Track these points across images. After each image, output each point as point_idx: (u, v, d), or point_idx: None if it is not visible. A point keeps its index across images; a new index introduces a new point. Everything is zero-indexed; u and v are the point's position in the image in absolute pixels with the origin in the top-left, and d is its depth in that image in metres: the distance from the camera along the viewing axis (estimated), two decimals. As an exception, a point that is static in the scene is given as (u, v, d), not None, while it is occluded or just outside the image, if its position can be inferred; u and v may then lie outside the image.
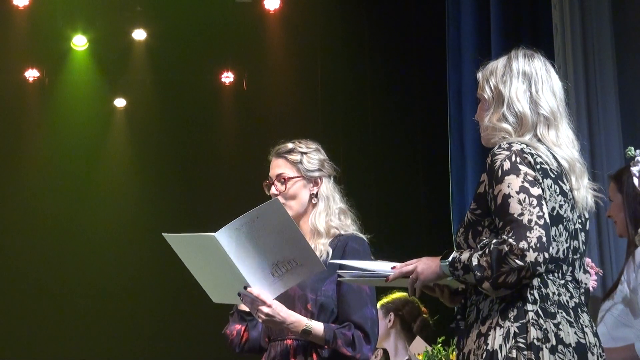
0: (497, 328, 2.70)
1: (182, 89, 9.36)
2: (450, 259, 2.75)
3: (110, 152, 9.58)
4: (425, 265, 2.83)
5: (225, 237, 3.25)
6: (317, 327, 3.42)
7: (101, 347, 8.87)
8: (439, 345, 4.52)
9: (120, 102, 9.58)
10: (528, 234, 2.62)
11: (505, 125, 2.87)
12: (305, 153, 3.68)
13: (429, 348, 4.51)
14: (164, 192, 9.30)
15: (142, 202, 9.30)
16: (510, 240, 2.62)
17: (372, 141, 8.84)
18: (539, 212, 2.66)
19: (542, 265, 2.62)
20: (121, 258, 9.10)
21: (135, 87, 9.49)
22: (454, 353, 4.38)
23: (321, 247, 3.54)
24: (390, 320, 5.02)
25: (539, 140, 2.86)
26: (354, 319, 3.42)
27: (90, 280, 9.02)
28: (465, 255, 2.71)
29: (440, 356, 4.49)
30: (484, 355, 2.69)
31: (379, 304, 5.05)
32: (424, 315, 5.00)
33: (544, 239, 2.63)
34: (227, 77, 9.47)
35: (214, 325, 6.92)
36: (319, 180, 3.64)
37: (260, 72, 9.35)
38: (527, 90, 2.88)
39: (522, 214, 2.66)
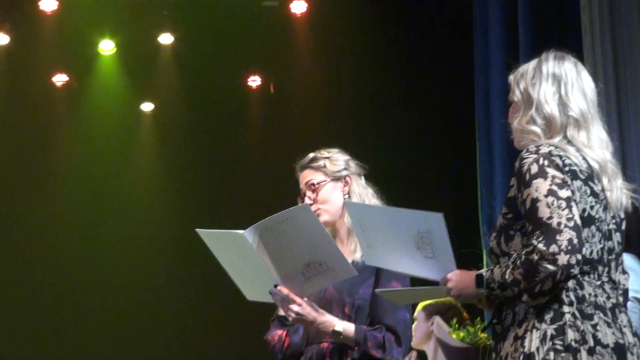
0: (534, 330, 2.69)
1: (209, 92, 9.37)
2: (484, 282, 2.75)
3: (138, 155, 9.61)
4: (462, 285, 2.82)
5: (253, 236, 3.26)
6: (348, 328, 3.42)
7: (130, 345, 8.89)
8: (478, 327, 4.50)
9: (147, 106, 9.61)
10: (558, 237, 2.61)
11: (534, 128, 2.87)
12: (328, 157, 3.69)
13: (450, 329, 4.50)
14: (191, 195, 9.32)
15: (169, 205, 9.33)
16: (540, 246, 2.61)
17: (399, 145, 8.84)
18: (568, 214, 2.65)
19: (575, 267, 2.61)
20: (149, 260, 9.13)
21: (162, 91, 9.51)
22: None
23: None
24: (432, 324, 4.99)
25: (569, 142, 2.84)
26: (386, 322, 3.42)
27: (118, 281, 9.05)
28: (497, 273, 2.72)
29: (480, 335, 4.47)
30: (521, 358, 2.68)
31: (420, 306, 5.05)
32: (466, 320, 4.98)
33: (575, 240, 2.62)
34: (254, 81, 9.48)
35: (245, 324, 6.98)
36: (347, 179, 3.64)
37: (287, 76, 9.36)
38: (557, 92, 2.87)
39: (551, 217, 2.65)
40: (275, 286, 3.35)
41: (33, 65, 9.20)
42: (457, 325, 4.67)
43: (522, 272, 2.65)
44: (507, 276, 2.69)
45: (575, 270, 2.63)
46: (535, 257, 2.62)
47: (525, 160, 2.77)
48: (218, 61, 9.20)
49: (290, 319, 3.44)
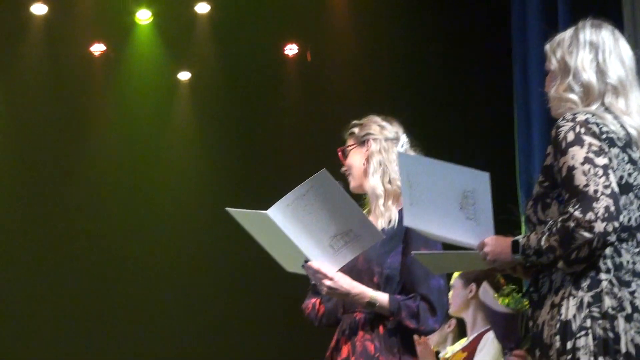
0: (570, 298, 2.70)
1: (246, 61, 9.35)
2: (520, 249, 2.75)
3: (175, 124, 9.61)
4: (498, 251, 2.82)
5: (277, 214, 3.26)
6: (382, 298, 3.40)
7: (168, 320, 8.95)
8: (519, 294, 4.50)
9: (184, 75, 9.61)
10: (594, 204, 2.62)
11: (571, 96, 2.87)
12: (360, 123, 3.68)
13: (496, 294, 4.49)
14: (228, 164, 9.33)
15: (206, 174, 9.34)
16: (576, 213, 2.62)
17: (436, 112, 8.82)
18: (605, 181, 2.65)
19: (612, 234, 2.62)
20: (186, 230, 9.16)
21: (199, 60, 9.49)
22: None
23: (387, 211, 3.52)
24: (471, 291, 4.97)
25: (607, 109, 2.84)
26: (420, 291, 3.39)
27: (154, 251, 9.10)
28: (533, 240, 2.72)
29: (524, 302, 4.47)
30: (558, 325, 2.70)
31: (457, 273, 5.03)
32: (503, 287, 4.96)
33: (612, 208, 2.62)
34: (291, 49, 9.46)
35: (284, 300, 7.01)
36: (370, 142, 3.60)
37: (324, 44, 9.33)
38: (594, 60, 2.87)
39: (587, 185, 2.65)
40: (306, 261, 3.37)
41: (71, 35, 9.24)
42: (502, 292, 4.66)
43: (558, 239, 2.66)
44: (542, 243, 2.69)
45: (612, 238, 2.63)
46: (572, 224, 2.62)
47: (561, 128, 2.77)
48: (254, 30, 9.19)
49: (323, 293, 3.45)
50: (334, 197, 3.23)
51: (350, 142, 3.67)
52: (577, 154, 2.70)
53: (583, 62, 2.87)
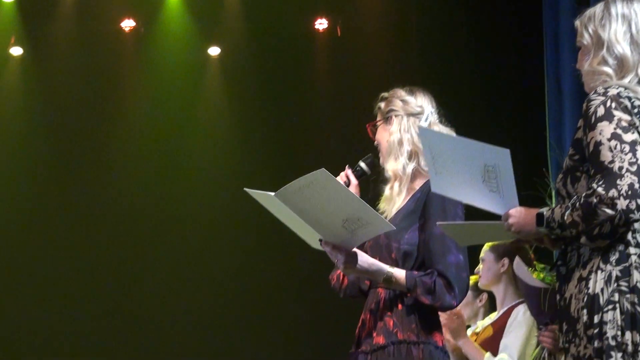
0: (599, 272, 2.69)
1: (276, 36, 9.35)
2: (545, 221, 2.75)
3: (205, 99, 9.62)
4: (523, 222, 2.83)
5: (285, 198, 3.25)
6: (399, 274, 3.36)
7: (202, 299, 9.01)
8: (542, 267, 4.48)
9: (214, 51, 9.64)
10: (618, 181, 2.61)
11: (605, 69, 2.86)
12: (385, 98, 3.62)
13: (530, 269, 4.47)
14: (258, 139, 9.35)
15: (236, 150, 9.35)
16: (600, 189, 2.61)
17: (467, 86, 8.80)
18: (631, 158, 2.65)
19: (635, 212, 2.61)
20: (215, 204, 9.19)
21: (229, 35, 9.49)
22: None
23: (402, 192, 3.49)
24: (503, 265, 4.93)
25: None
26: (437, 267, 3.33)
27: (184, 226, 9.16)
28: (557, 213, 2.72)
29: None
30: (585, 299, 2.70)
31: (487, 246, 5.00)
32: (533, 261, 4.93)
33: (637, 185, 2.61)
34: (321, 24, 9.45)
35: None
36: (392, 119, 3.54)
37: (355, 18, 9.31)
38: (627, 32, 2.86)
39: (612, 162, 2.65)
40: (321, 241, 3.36)
41: (101, 11, 9.27)
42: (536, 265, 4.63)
43: (581, 214, 2.66)
44: (566, 217, 2.70)
45: (636, 215, 2.62)
46: (594, 200, 2.62)
47: (592, 102, 2.76)
48: (284, 4, 9.16)
49: (341, 270, 3.44)
50: (336, 192, 3.20)
51: (378, 118, 3.61)
52: (605, 130, 2.70)
53: (617, 35, 2.86)
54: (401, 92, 3.54)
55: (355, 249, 3.36)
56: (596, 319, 2.65)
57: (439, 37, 9.04)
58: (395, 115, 3.50)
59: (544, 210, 2.78)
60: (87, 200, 9.26)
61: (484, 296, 5.09)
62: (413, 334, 3.34)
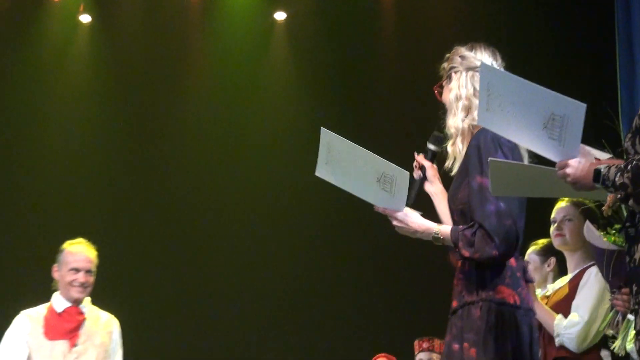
0: None
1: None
2: (601, 178, 2.72)
3: (271, 64, 9.65)
4: (581, 174, 2.79)
5: (323, 172, 3.34)
6: (445, 231, 3.36)
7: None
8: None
9: (280, 15, 9.67)
10: None
11: None
12: (447, 58, 3.61)
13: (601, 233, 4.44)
14: (325, 104, 9.33)
15: (303, 114, 9.35)
16: None
17: (537, 47, 8.73)
18: None
19: None
20: (281, 170, 9.22)
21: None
22: None
23: (460, 150, 3.47)
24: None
25: None
26: (476, 218, 3.27)
27: (248, 194, 9.22)
28: (612, 172, 2.69)
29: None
30: None
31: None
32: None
33: None
34: (388, -15, 9.44)
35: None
36: (452, 75, 3.53)
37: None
38: None
39: None
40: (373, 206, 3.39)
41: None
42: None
43: (630, 176, 2.63)
44: (617, 178, 2.67)
45: None
46: None
47: None
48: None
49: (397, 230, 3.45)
50: (352, 150, 3.23)
51: (443, 78, 3.59)
52: None
53: None
54: (461, 49, 3.54)
55: (406, 210, 3.38)
56: None
57: (509, 2, 8.97)
58: (455, 72, 3.49)
59: (602, 167, 2.74)
60: (152, 166, 9.37)
61: (552, 260, 5.09)
62: (474, 294, 3.31)
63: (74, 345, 4.86)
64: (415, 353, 6.71)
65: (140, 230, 9.13)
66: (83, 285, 4.97)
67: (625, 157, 2.80)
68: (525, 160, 3.36)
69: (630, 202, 2.65)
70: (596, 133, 3.72)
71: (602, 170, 2.73)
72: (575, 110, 2.80)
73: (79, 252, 5.03)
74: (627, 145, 2.80)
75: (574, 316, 4.51)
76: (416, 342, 6.75)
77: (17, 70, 9.48)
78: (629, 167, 2.64)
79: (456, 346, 3.31)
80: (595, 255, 4.24)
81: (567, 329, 4.45)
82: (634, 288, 2.73)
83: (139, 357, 6.89)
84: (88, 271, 5.02)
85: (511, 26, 8.82)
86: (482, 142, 3.29)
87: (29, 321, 4.94)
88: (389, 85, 9.16)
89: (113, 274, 7.67)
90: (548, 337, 4.55)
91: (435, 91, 3.59)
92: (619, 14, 6.99)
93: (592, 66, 8.40)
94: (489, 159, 3.10)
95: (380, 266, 8.50)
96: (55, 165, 9.31)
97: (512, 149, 3.29)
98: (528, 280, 3.36)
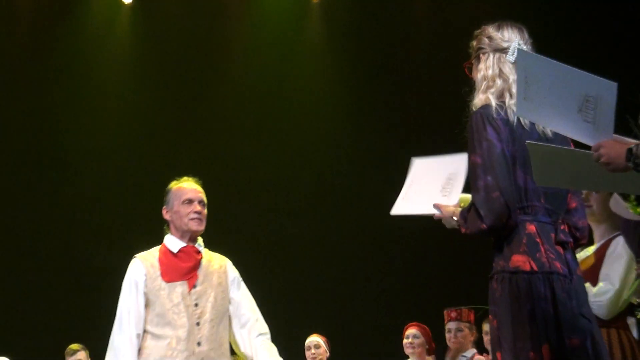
0: None
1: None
2: (632, 157, 2.71)
3: (307, 43, 9.81)
4: (614, 155, 2.79)
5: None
6: (457, 214, 3.39)
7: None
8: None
9: (315, -3, 9.80)
10: None
11: None
12: (476, 36, 3.56)
13: (628, 204, 4.42)
14: (359, 84, 9.44)
15: (340, 92, 9.48)
16: None
17: (576, 31, 8.83)
18: None
19: None
20: (314, 148, 9.43)
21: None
22: None
23: None
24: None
25: None
26: (472, 196, 3.29)
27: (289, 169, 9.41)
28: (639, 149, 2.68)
29: None
30: None
31: None
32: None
33: None
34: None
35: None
36: (480, 56, 3.50)
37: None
38: None
39: None
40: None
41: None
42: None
43: None
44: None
45: None
46: None
47: None
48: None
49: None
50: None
51: (472, 57, 3.57)
52: None
53: None
54: (489, 29, 3.51)
55: (438, 203, 3.46)
56: None
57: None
58: (483, 53, 3.48)
59: (633, 146, 2.74)
60: (193, 142, 9.57)
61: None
62: (494, 267, 3.32)
63: (192, 286, 4.50)
64: (445, 322, 6.81)
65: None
66: (200, 215, 4.58)
67: None
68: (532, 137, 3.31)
69: None
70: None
71: (633, 148, 2.73)
72: (607, 90, 2.79)
73: (189, 185, 4.68)
74: None
75: (604, 285, 4.52)
76: (445, 312, 6.86)
77: (62, 47, 9.68)
78: None
79: (490, 317, 3.35)
80: (622, 226, 4.28)
81: (597, 296, 4.43)
82: None
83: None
84: (201, 202, 4.63)
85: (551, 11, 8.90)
86: (473, 122, 3.30)
87: (144, 265, 4.55)
88: (424, 65, 9.21)
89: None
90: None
91: (465, 68, 3.59)
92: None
93: (626, 52, 8.46)
94: (526, 142, 3.10)
95: (416, 239, 8.53)
96: (101, 141, 9.56)
97: (508, 124, 3.28)
98: (560, 242, 3.30)
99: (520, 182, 3.28)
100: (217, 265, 4.64)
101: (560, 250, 3.28)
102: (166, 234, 4.68)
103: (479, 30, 3.51)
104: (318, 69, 9.71)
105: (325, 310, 8.94)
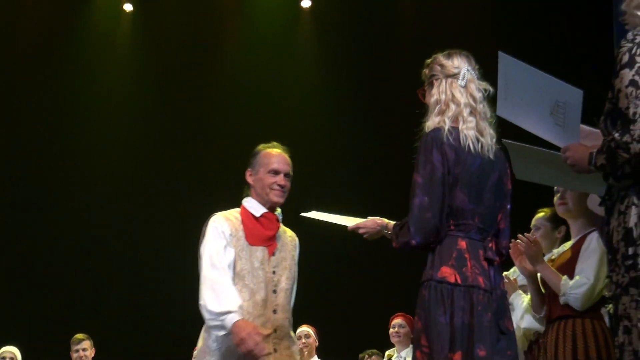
0: (633, 207, 2.70)
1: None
2: (593, 160, 2.75)
3: (297, 50, 9.83)
4: (578, 157, 2.85)
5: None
6: (391, 227, 3.53)
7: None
8: None
9: (305, 3, 9.81)
10: (632, 127, 2.60)
11: (638, 12, 2.83)
12: (427, 64, 3.64)
13: None
14: (347, 87, 9.45)
15: (328, 94, 9.49)
16: (616, 135, 2.62)
17: (544, 48, 8.78)
18: None
19: None
20: (306, 146, 9.25)
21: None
22: None
23: None
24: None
25: None
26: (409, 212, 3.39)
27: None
28: (598, 157, 2.73)
29: None
30: (623, 232, 2.72)
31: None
32: None
33: None
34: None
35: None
36: (433, 82, 3.57)
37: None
38: None
39: (627, 108, 2.63)
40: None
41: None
42: None
43: (605, 157, 2.68)
44: (597, 160, 2.72)
45: None
46: (613, 145, 2.64)
47: (621, 49, 2.74)
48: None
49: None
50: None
51: (425, 83, 3.65)
52: (625, 77, 2.67)
53: None
54: (439, 58, 3.60)
55: (377, 220, 3.59)
56: (631, 250, 2.68)
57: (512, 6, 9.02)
58: (436, 79, 3.56)
59: (594, 151, 2.77)
60: (193, 139, 9.59)
61: (563, 228, 5.02)
62: (425, 275, 3.41)
63: (272, 253, 4.19)
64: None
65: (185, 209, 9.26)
66: (283, 189, 4.25)
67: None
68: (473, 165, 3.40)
69: (610, 180, 2.72)
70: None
71: (594, 153, 2.77)
72: (574, 96, 2.86)
73: (278, 154, 4.33)
74: (601, 127, 2.83)
75: (579, 278, 4.54)
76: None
77: (68, 53, 9.70)
78: (603, 149, 2.69)
79: (415, 319, 3.44)
80: (598, 223, 4.30)
81: (573, 289, 4.47)
82: (608, 256, 2.80)
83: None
84: (287, 174, 4.30)
85: (517, 24, 8.91)
86: (423, 143, 3.38)
87: (228, 223, 4.18)
88: (407, 68, 9.19)
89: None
90: (553, 295, 4.55)
91: (419, 94, 3.66)
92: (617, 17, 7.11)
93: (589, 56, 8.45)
94: (503, 140, 3.20)
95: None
96: (102, 143, 9.60)
97: (455, 148, 3.35)
98: (487, 259, 3.40)
99: (458, 203, 3.36)
100: (290, 238, 4.38)
101: (486, 266, 3.39)
102: (245, 195, 4.36)
103: (429, 60, 3.59)
104: (308, 72, 9.72)
105: (314, 301, 8.95)
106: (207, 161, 9.48)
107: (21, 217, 9.67)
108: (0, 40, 9.89)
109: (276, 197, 4.25)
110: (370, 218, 3.64)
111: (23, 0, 9.83)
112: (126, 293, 9.40)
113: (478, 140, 3.37)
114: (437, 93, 3.50)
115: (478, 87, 3.46)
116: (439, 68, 3.53)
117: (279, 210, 4.31)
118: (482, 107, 3.41)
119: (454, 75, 3.51)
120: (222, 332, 3.83)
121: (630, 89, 2.65)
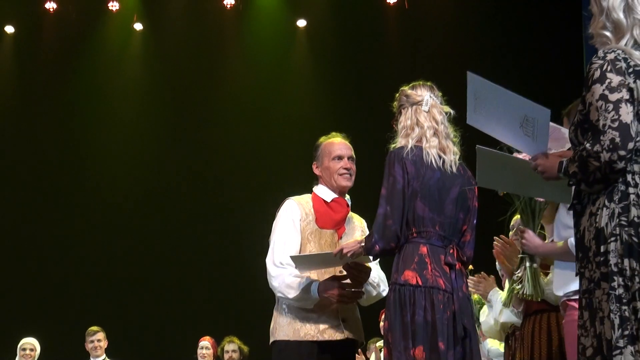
0: (604, 209, 2.74)
1: (357, 9, 9.51)
2: (563, 169, 2.82)
3: (293, 66, 9.84)
4: (548, 165, 2.91)
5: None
6: (363, 240, 3.65)
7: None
8: None
9: (301, 23, 9.85)
10: (602, 137, 2.65)
11: (605, 32, 2.87)
12: (396, 98, 3.79)
13: None
14: (341, 103, 9.46)
15: (323, 111, 9.43)
16: (587, 145, 2.68)
17: (516, 64, 8.85)
18: (613, 116, 2.67)
19: (618, 162, 2.66)
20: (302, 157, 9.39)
21: (315, 8, 9.69)
22: None
23: None
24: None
25: (636, 42, 2.83)
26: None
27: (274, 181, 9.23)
28: (569, 165, 2.79)
29: None
30: (594, 232, 2.76)
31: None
32: None
33: (617, 139, 2.64)
34: (392, -1, 9.39)
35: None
36: (401, 111, 3.72)
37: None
38: (623, 1, 2.87)
39: (598, 120, 2.69)
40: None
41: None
42: None
43: (578, 166, 2.73)
44: (569, 168, 2.77)
45: (619, 165, 2.66)
46: (584, 154, 2.69)
47: (592, 65, 2.78)
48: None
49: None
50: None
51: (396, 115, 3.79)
52: (595, 92, 2.72)
53: (614, 3, 2.88)
54: (405, 89, 3.76)
55: (357, 239, 3.71)
56: (602, 248, 2.72)
57: (492, 22, 9.10)
58: (403, 109, 3.72)
59: (564, 159, 2.83)
60: (192, 155, 9.60)
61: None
62: (391, 278, 3.51)
63: (340, 237, 4.10)
64: None
65: (182, 214, 9.40)
66: (349, 171, 4.18)
67: (573, 148, 2.89)
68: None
69: (582, 186, 2.76)
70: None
71: (564, 162, 2.83)
72: (542, 114, 2.92)
73: (339, 141, 4.27)
74: (571, 136, 2.88)
75: (552, 276, 4.63)
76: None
77: (81, 72, 9.75)
78: (575, 157, 2.74)
79: (383, 319, 3.55)
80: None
81: (547, 285, 4.51)
82: (579, 254, 2.83)
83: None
84: (351, 157, 4.23)
85: (494, 43, 8.97)
86: (387, 159, 3.54)
87: (299, 207, 4.12)
88: (399, 85, 9.28)
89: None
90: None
91: (393, 125, 3.79)
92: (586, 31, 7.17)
93: (561, 74, 8.50)
94: (477, 146, 3.24)
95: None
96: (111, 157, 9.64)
97: (415, 163, 3.49)
98: (447, 263, 3.49)
99: (419, 212, 3.49)
100: (358, 222, 4.29)
101: (447, 270, 3.49)
102: (315, 184, 4.32)
103: (397, 93, 3.75)
104: (303, 87, 9.73)
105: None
106: (209, 168, 9.57)
107: (43, 215, 9.73)
108: (23, 57, 9.97)
109: (344, 180, 4.21)
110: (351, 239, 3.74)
111: (44, 20, 9.85)
112: (140, 289, 9.42)
113: (440, 156, 3.55)
114: (404, 120, 3.66)
115: (440, 111, 3.66)
116: (405, 98, 3.70)
117: (347, 196, 4.28)
118: (444, 128, 3.62)
119: (418, 103, 3.67)
120: (312, 305, 3.91)
121: (600, 102, 2.70)
